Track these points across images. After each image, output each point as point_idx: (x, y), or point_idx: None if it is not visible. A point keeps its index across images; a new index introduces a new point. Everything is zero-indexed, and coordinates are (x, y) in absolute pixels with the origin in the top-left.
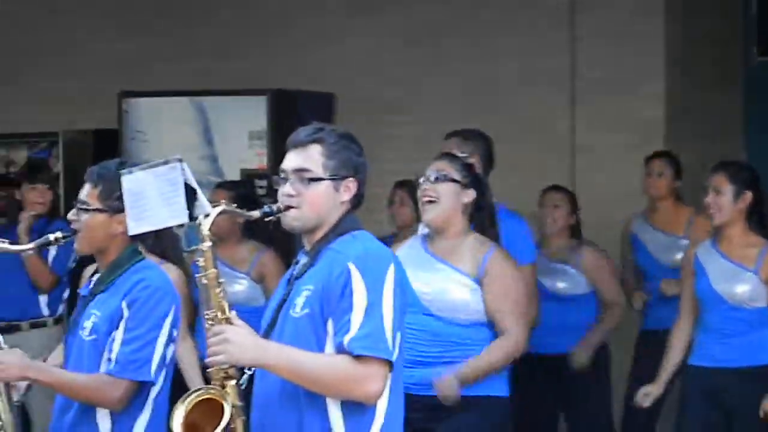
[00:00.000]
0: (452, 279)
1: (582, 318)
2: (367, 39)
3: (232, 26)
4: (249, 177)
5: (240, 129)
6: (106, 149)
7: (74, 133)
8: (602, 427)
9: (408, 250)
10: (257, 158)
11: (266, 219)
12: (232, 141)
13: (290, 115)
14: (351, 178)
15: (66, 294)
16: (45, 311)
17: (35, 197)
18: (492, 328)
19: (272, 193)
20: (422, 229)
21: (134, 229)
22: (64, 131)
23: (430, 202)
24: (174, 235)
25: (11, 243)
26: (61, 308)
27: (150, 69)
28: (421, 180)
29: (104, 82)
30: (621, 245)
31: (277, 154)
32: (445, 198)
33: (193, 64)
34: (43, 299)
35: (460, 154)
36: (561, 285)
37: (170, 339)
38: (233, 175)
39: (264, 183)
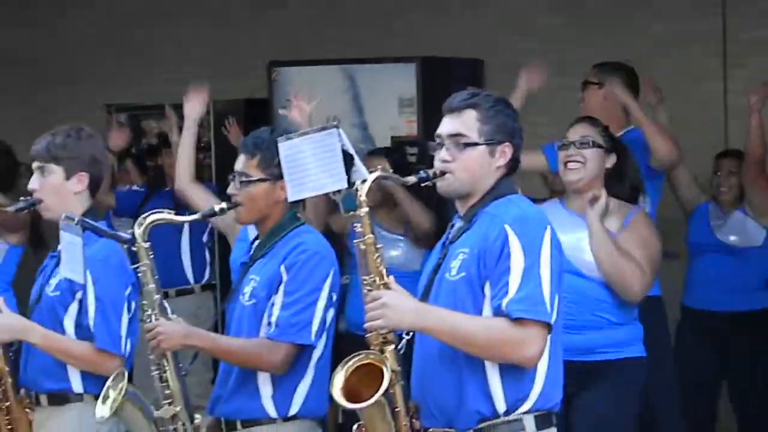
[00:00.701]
0: None
1: (753, 274)
2: (515, 3)
3: None
4: (399, 144)
5: (390, 96)
6: (256, 119)
7: (224, 103)
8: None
9: (549, 209)
10: (407, 126)
11: (422, 184)
12: (382, 108)
13: (440, 82)
14: (506, 143)
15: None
16: (191, 278)
17: (173, 160)
18: None
19: (422, 160)
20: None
21: (294, 195)
22: (215, 101)
23: (575, 165)
24: None
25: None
26: (206, 275)
27: (300, 38)
28: (564, 143)
29: (254, 51)
30: None
31: (427, 122)
32: (590, 163)
33: (342, 32)
34: (188, 266)
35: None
36: (733, 238)
37: (330, 302)
38: (384, 142)
39: (414, 150)
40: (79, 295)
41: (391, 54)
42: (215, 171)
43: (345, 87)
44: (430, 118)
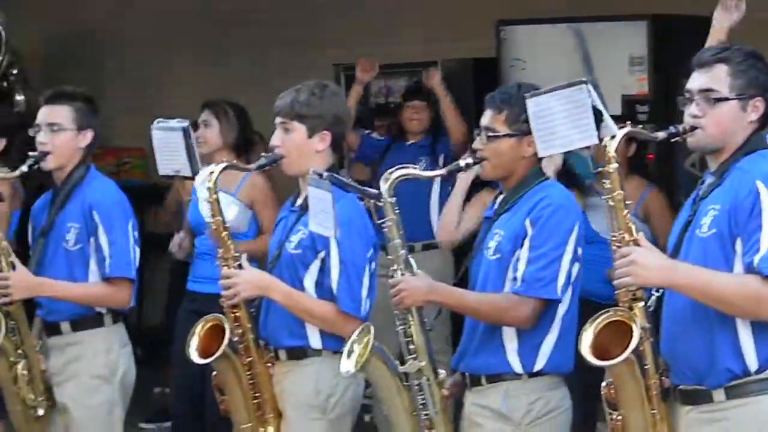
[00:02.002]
0: None
1: None
2: None
3: None
4: (630, 103)
5: (620, 55)
6: (484, 78)
7: (453, 62)
8: None
9: None
10: (638, 84)
11: (672, 140)
12: (612, 67)
13: (670, 40)
14: (758, 98)
15: None
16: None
17: (411, 114)
18: None
19: (653, 119)
20: None
21: (544, 151)
22: (444, 60)
23: None
24: None
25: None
26: None
27: None
28: None
29: (482, 9)
30: None
31: (657, 80)
32: None
33: None
34: (435, 221)
35: None
36: None
37: (575, 257)
38: (614, 101)
39: (645, 109)
40: (321, 254)
41: (621, 12)
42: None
43: (574, 45)
44: (661, 76)
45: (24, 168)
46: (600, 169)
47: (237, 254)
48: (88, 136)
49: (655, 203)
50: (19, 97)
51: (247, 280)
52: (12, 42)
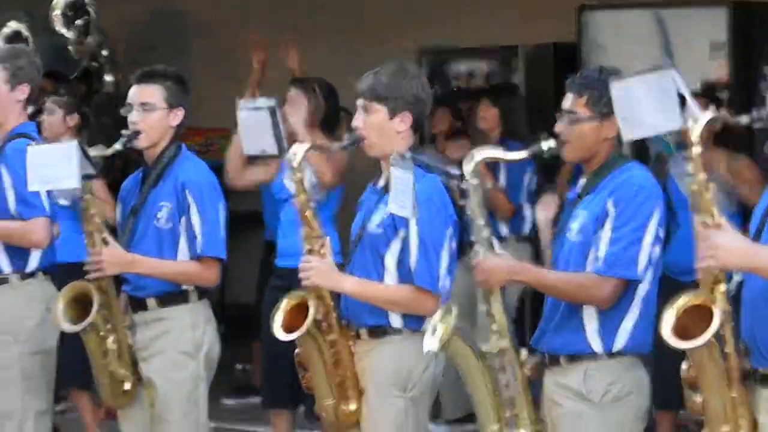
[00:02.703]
0: None
1: None
2: None
3: None
4: (710, 88)
5: (700, 40)
6: (565, 63)
7: (533, 47)
8: None
9: None
10: (718, 70)
11: (754, 124)
12: (692, 52)
13: (751, 27)
14: None
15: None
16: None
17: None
18: None
19: (733, 104)
20: None
21: (628, 135)
22: (523, 45)
23: None
24: None
25: None
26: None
27: None
28: None
29: None
30: None
31: (738, 66)
32: None
33: None
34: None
35: None
36: None
37: (657, 238)
38: (693, 86)
39: (725, 94)
40: (402, 233)
41: None
42: (526, 114)
43: (654, 31)
44: (741, 62)
45: (117, 146)
46: (682, 153)
47: (320, 234)
48: (179, 114)
49: (746, 171)
50: (109, 78)
51: (323, 270)
52: (101, 23)
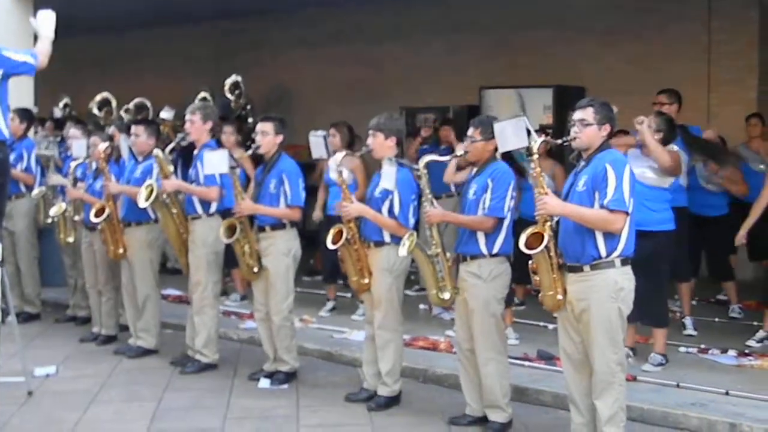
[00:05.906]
0: None
1: None
2: None
3: None
4: (543, 127)
5: (538, 104)
6: (473, 114)
7: (458, 107)
8: None
9: None
10: (547, 118)
11: (564, 143)
12: (534, 110)
13: (567, 98)
14: None
15: None
16: None
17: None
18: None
19: (554, 135)
20: None
21: (502, 149)
22: (453, 105)
23: None
24: None
25: None
26: None
27: None
28: None
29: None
30: None
31: (558, 114)
32: None
33: None
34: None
35: None
36: None
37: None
38: (535, 126)
39: (551, 130)
40: (390, 197)
41: None
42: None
43: (516, 99)
44: (562, 112)
45: (249, 152)
46: (529, 157)
47: (351, 198)
48: (282, 137)
49: (558, 172)
50: (250, 120)
51: (355, 209)
52: (247, 92)
